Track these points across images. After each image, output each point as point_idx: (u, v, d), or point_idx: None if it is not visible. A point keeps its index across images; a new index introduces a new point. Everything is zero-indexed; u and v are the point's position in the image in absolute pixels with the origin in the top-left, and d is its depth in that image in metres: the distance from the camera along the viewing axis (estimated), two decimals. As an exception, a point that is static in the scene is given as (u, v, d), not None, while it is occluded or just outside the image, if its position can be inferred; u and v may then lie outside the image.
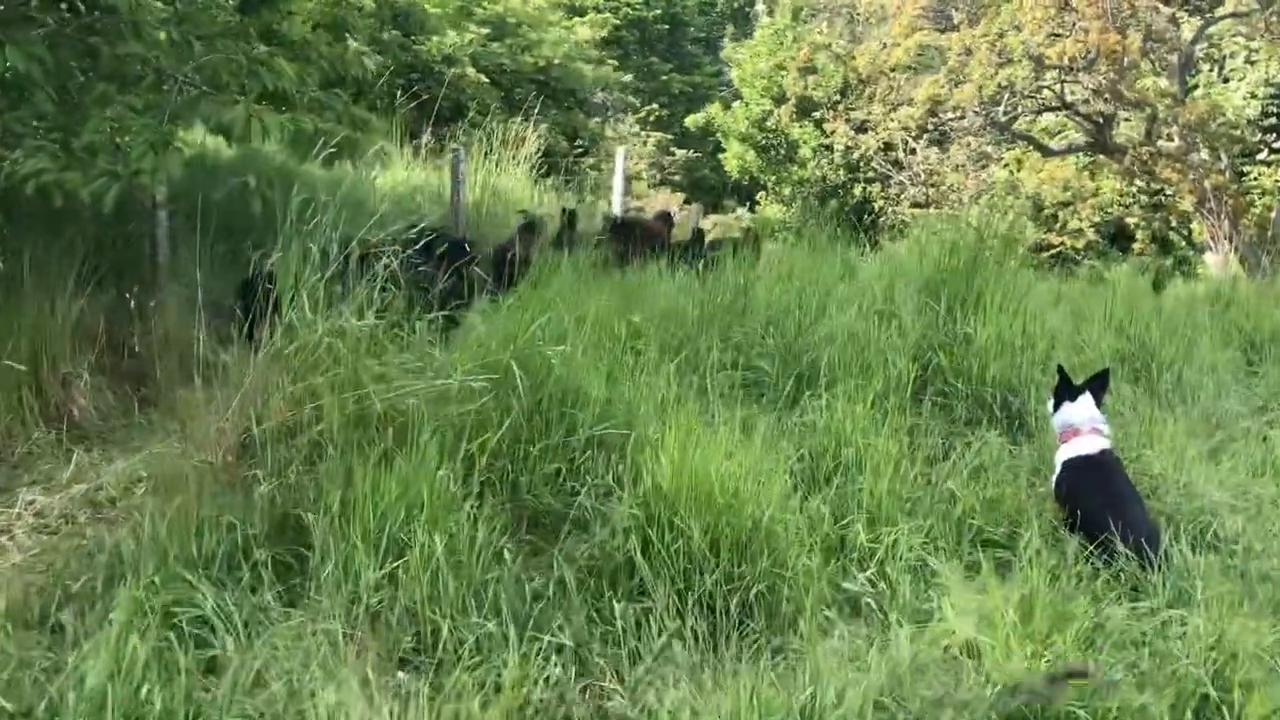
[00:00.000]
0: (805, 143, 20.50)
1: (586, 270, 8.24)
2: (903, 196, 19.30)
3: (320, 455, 4.36)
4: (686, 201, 24.36)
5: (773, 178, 21.62)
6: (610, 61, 20.95)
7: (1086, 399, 5.06)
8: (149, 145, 4.93)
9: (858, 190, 20.30)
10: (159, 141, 4.99)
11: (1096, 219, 18.62)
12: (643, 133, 26.38)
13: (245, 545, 3.85)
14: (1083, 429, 4.95)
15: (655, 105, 27.28)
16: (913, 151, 19.21)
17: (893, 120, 18.39)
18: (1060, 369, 5.34)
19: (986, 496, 5.00)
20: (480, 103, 14.56)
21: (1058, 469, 4.98)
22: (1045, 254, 18.34)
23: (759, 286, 8.17)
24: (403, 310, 5.13)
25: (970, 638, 3.63)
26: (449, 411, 4.62)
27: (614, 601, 3.78)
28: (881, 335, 6.56)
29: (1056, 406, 5.16)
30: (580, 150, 17.65)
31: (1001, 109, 16.81)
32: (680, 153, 26.06)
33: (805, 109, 20.50)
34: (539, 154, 13.84)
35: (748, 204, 22.83)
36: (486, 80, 15.52)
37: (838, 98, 20.05)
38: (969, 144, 18.81)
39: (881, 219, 19.04)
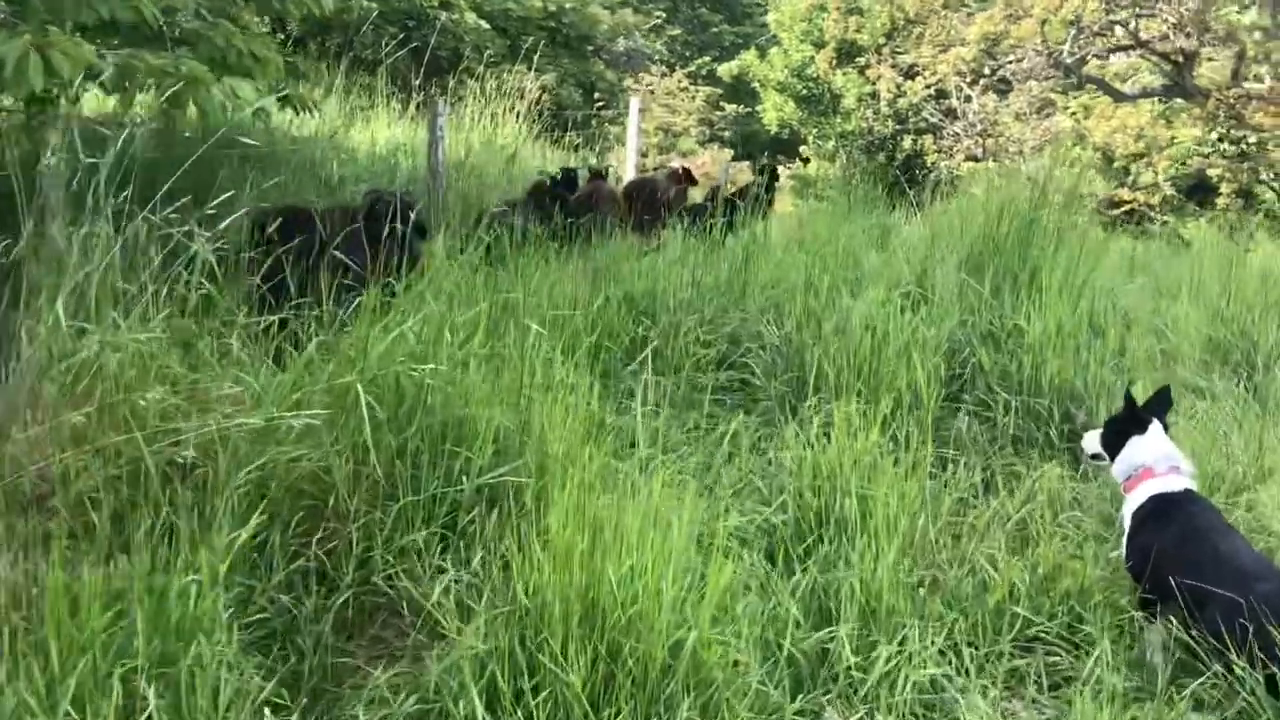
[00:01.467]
0: (848, 91, 18.76)
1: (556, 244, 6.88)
2: (956, 149, 17.53)
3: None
4: (735, 159, 22.81)
5: (814, 131, 19.91)
6: (629, 4, 19.26)
7: (1156, 429, 3.64)
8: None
9: (907, 143, 18.54)
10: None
11: (1173, 171, 16.73)
12: (692, 87, 24.73)
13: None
14: (1157, 469, 3.52)
15: (706, 58, 25.64)
16: (967, 99, 17.41)
17: (943, 63, 16.61)
18: (1128, 396, 3.76)
19: (1036, 568, 3.57)
20: (481, 51, 13.10)
21: (1127, 524, 3.51)
22: (1116, 211, 16.54)
23: (763, 259, 6.74)
24: (234, 309, 3.80)
25: None
26: (274, 459, 3.30)
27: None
28: (905, 327, 5.08)
29: (1118, 443, 3.67)
30: (600, 104, 16.14)
31: (1067, 48, 14.98)
32: (730, 107, 24.32)
33: (848, 54, 18.75)
34: (542, 107, 12.42)
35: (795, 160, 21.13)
36: (489, 27, 14.05)
37: (883, 40, 18.26)
38: (1030, 89, 16.97)
39: (932, 174, 17.32)
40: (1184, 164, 17.03)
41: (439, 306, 3.94)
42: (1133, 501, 3.49)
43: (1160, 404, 3.70)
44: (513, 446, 3.57)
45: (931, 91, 17.68)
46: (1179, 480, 3.47)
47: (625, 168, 12.84)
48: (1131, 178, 17.22)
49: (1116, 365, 5.31)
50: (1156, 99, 16.83)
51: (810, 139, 20.17)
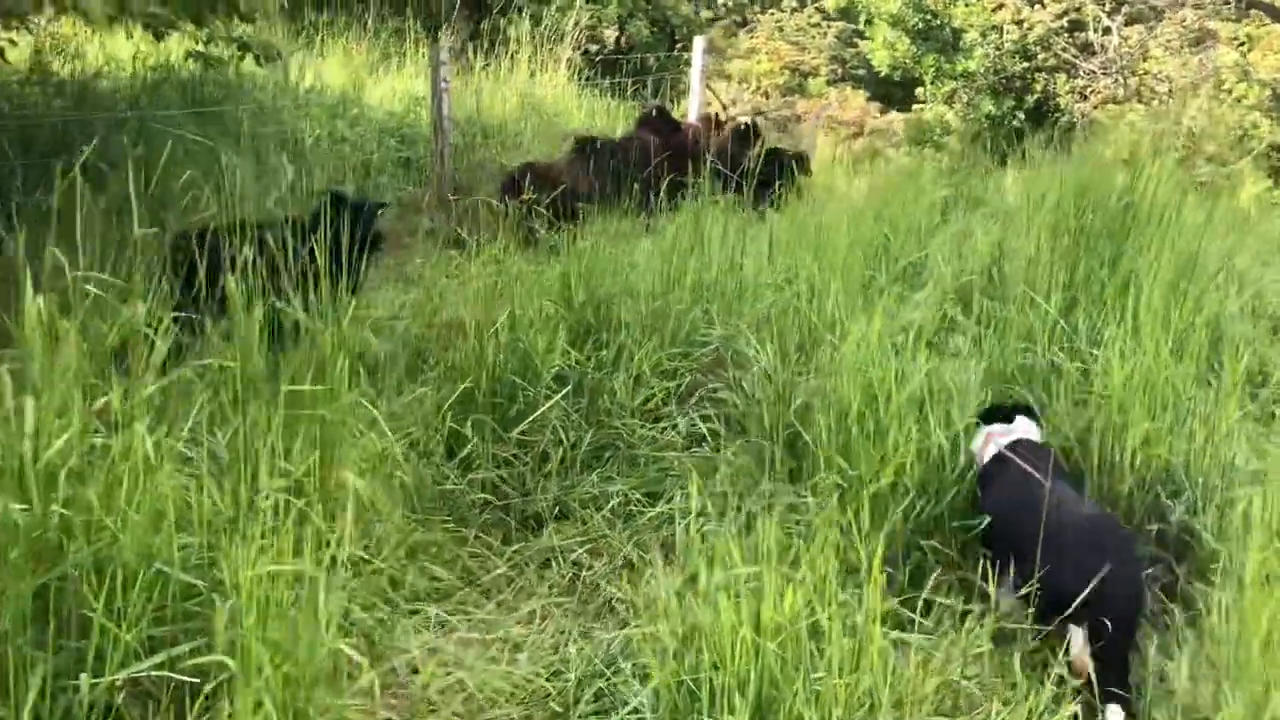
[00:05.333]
0: (970, 24, 16.53)
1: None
2: (1092, 90, 15.22)
3: None
4: (870, 99, 20.64)
5: (932, 70, 17.73)
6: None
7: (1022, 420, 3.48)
8: None
9: (1039, 84, 16.23)
10: None
11: (1359, 112, 14.09)
12: (823, 23, 22.53)
13: None
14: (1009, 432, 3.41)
15: (807, -14, 23.25)
16: (1106, 30, 15.04)
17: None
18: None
19: None
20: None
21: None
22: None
23: (766, 249, 5.19)
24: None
25: None
26: None
27: None
28: (916, 370, 3.49)
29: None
30: (680, 45, 14.45)
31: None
32: (865, 44, 21.99)
33: (970, -21, 16.53)
34: (600, 49, 10.95)
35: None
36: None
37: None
38: (1183, 18, 14.51)
39: (1063, 118, 15.09)
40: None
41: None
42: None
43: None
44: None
45: (1065, 23, 15.36)
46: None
47: (690, 114, 11.24)
48: (1307, 119, 14.62)
49: (1253, 436, 3.62)
50: (1340, 25, 14.15)
51: (927, 80, 17.99)
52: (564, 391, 4.04)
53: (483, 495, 3.69)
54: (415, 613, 3.10)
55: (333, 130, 8.04)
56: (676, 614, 2.48)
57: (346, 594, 2.67)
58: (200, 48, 7.25)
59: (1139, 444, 3.36)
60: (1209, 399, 3.54)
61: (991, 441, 3.37)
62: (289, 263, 3.41)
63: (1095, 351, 3.79)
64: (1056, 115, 15.55)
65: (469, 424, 3.88)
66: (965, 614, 2.97)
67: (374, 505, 3.22)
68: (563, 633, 3.17)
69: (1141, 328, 3.68)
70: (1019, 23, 15.28)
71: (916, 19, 17.48)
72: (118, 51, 8.65)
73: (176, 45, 7.69)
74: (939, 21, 17.38)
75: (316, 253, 3.50)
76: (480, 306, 4.18)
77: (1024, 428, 3.41)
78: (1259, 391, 4.40)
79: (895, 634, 2.72)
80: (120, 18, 6.76)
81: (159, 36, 7.16)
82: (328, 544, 2.68)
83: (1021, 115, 15.89)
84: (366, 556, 3.08)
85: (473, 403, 4.00)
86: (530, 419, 3.92)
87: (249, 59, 7.33)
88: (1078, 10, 15.61)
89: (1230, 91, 14.79)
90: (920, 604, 3.05)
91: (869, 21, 19.85)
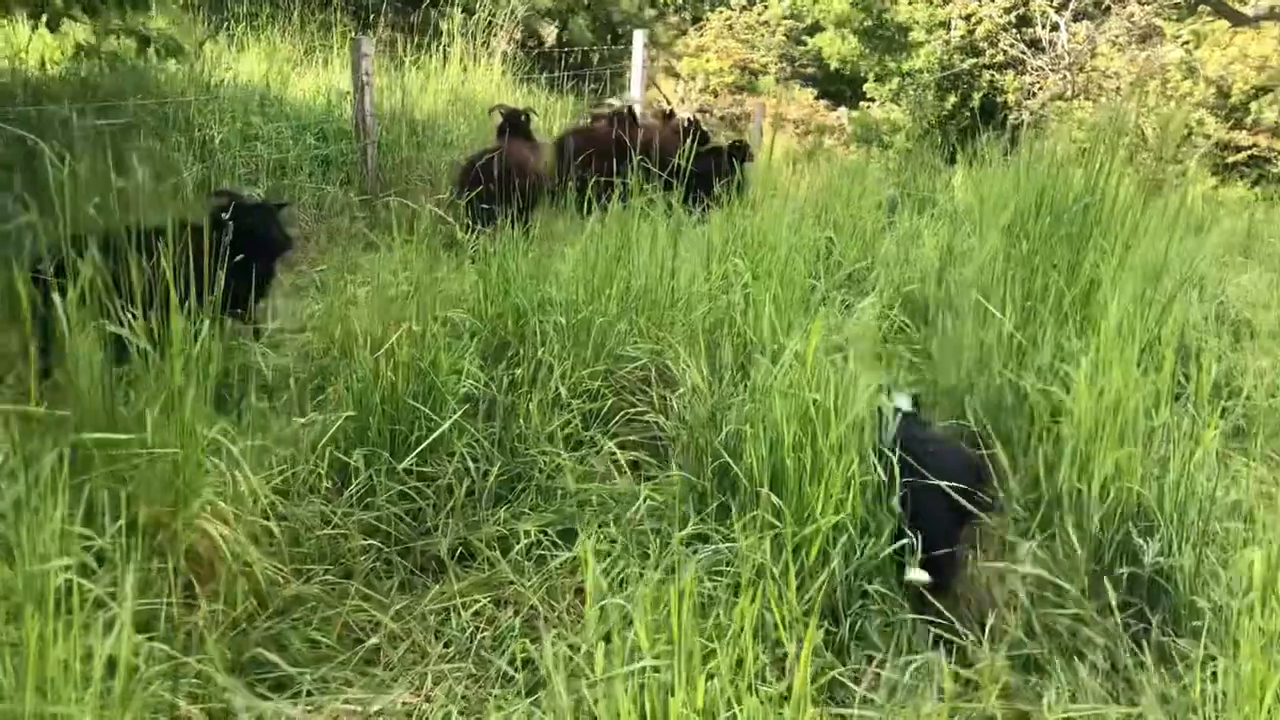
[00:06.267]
0: (916, 22, 16.31)
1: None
2: (1040, 86, 15.04)
3: None
4: (818, 98, 20.39)
5: (877, 68, 17.50)
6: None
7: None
8: None
9: (985, 80, 16.04)
10: None
11: (1305, 109, 14.05)
12: (771, 22, 22.25)
13: None
14: None
15: (755, -13, 22.98)
16: (1054, 27, 14.87)
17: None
18: None
19: None
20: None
21: None
22: (1233, 156, 13.98)
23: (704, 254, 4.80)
24: None
25: None
26: None
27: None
28: (852, 391, 3.10)
29: None
30: (622, 40, 14.01)
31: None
32: (813, 41, 21.75)
33: (916, -24, 16.31)
34: (528, 43, 10.50)
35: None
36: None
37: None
38: (1130, 13, 14.38)
39: (1011, 116, 14.89)
40: (1318, 100, 14.28)
41: None
42: None
43: None
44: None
45: (1013, 18, 15.17)
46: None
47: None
48: (1252, 117, 14.55)
49: (1219, 454, 3.27)
50: (1286, 22, 14.05)
51: (872, 78, 17.76)
52: (470, 415, 3.61)
53: (370, 541, 3.24)
54: (279, 687, 2.65)
55: (247, 127, 7.51)
56: (568, 711, 2.07)
57: (172, 676, 2.22)
58: (94, 40, 6.73)
59: (1108, 475, 3.00)
60: (1181, 424, 3.19)
61: None
62: (151, 275, 2.95)
63: (1059, 367, 3.44)
64: (1005, 112, 15.35)
65: (360, 455, 3.44)
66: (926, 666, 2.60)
67: (235, 557, 2.78)
68: (462, 698, 2.75)
69: (1107, 343, 3.32)
70: (966, 18, 15.08)
71: (863, 18, 17.23)
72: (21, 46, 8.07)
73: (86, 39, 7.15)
74: (885, 18, 17.17)
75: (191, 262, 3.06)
76: (380, 319, 3.73)
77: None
78: (1229, 404, 4.09)
79: (835, 714, 2.33)
80: (6, 4, 6.24)
81: (53, 28, 6.64)
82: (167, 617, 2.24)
83: (969, 113, 15.68)
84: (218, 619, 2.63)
85: (368, 430, 3.56)
86: (431, 448, 3.49)
87: (151, 53, 6.81)
88: (1025, 5, 15.45)
89: (1177, 89, 14.68)
90: (865, 659, 2.68)
91: (811, 31, 19.66)
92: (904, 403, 3.33)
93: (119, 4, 5.72)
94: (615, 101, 9.51)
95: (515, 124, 7.18)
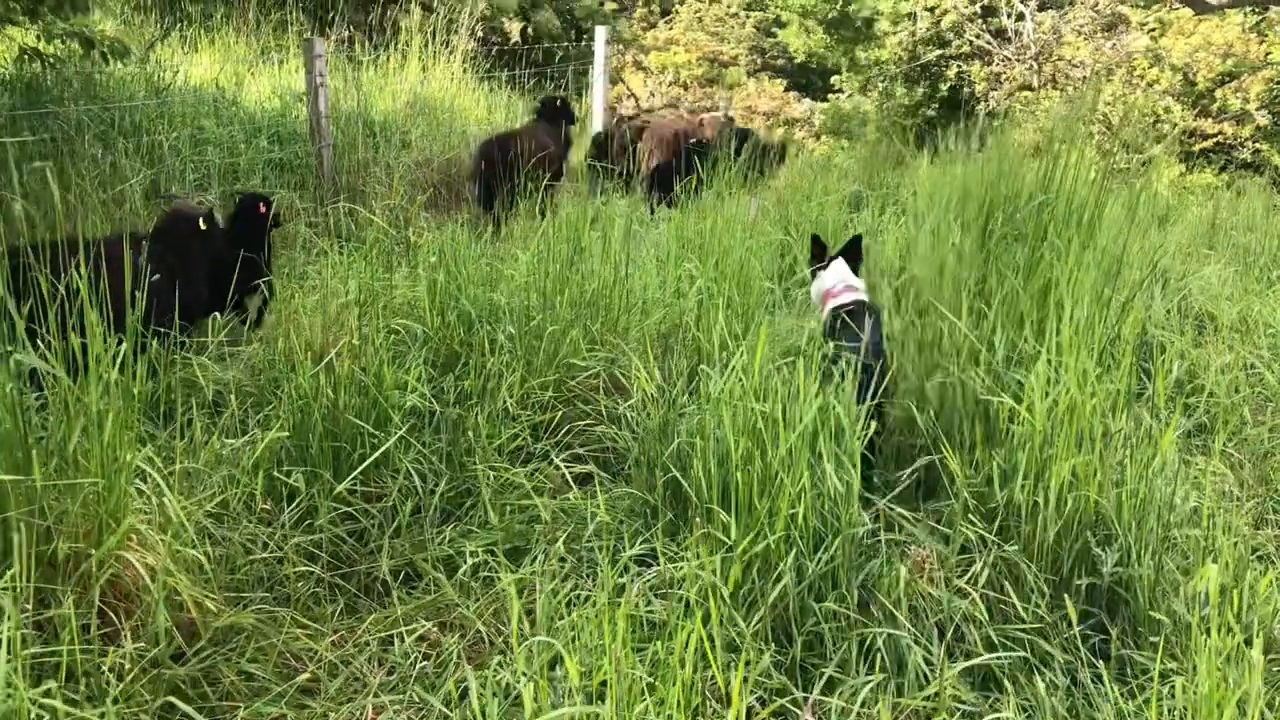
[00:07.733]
0: (882, 13, 16.24)
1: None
2: (1006, 77, 15.01)
3: None
4: (787, 89, 20.30)
5: (845, 60, 17.43)
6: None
7: (838, 263, 4.08)
8: None
9: (952, 71, 15.99)
10: None
11: (1268, 96, 14.05)
12: (742, 13, 22.12)
13: None
14: (835, 290, 4.00)
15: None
16: (1019, 17, 14.85)
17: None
18: (815, 238, 4.24)
19: None
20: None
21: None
22: (1199, 144, 13.98)
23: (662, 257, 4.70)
24: None
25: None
26: None
27: None
28: (804, 403, 3.01)
29: (813, 278, 4.20)
30: (585, 37, 13.89)
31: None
32: (780, 34, 21.63)
33: (882, -33, 16.23)
34: (491, 40, 10.35)
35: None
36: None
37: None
38: (1096, 3, 14.37)
39: (978, 107, 14.86)
40: (1281, 86, 14.32)
41: None
42: (822, 316, 3.97)
43: (851, 250, 4.12)
44: None
45: (978, 9, 15.13)
46: (851, 295, 3.91)
47: (594, 109, 10.73)
48: (1217, 104, 14.56)
49: (1177, 454, 3.20)
50: (1248, 10, 14.05)
51: (842, 69, 17.69)
52: (416, 430, 3.50)
53: (309, 567, 3.13)
54: (210, 725, 2.54)
55: (198, 131, 7.34)
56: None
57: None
58: (37, 43, 6.56)
59: (1065, 482, 2.92)
60: (1140, 427, 3.12)
61: (830, 299, 3.98)
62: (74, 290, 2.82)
63: (1013, 373, 3.36)
64: (973, 103, 15.32)
65: (300, 475, 3.33)
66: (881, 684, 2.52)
67: (164, 587, 2.66)
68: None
69: (1063, 344, 3.24)
70: (931, 9, 15.03)
71: (827, 9, 17.16)
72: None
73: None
74: (849, 10, 17.09)
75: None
76: (324, 330, 3.62)
77: (847, 278, 4.01)
78: (1191, 401, 4.03)
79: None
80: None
81: (-10, 31, 6.48)
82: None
83: (936, 104, 15.65)
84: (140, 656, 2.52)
85: (308, 448, 3.45)
86: (375, 465, 3.38)
87: (96, 56, 6.65)
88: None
89: (1143, 77, 14.68)
90: (819, 684, 2.60)
91: (779, 24, 19.59)
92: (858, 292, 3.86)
93: (57, 6, 5.55)
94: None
95: (552, 110, 7.55)
